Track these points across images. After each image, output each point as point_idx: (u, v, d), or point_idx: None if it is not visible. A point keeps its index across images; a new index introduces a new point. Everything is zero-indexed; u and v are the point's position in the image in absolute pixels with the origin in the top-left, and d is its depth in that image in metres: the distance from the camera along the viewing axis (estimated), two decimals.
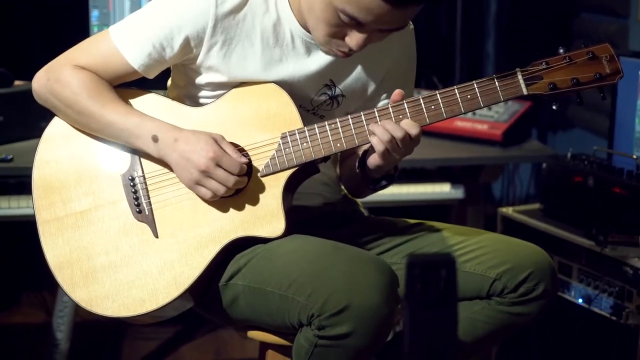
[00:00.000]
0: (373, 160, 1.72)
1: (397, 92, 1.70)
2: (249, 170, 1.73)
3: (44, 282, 3.39)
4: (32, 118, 2.77)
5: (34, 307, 3.46)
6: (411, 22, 1.87)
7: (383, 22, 1.61)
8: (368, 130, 1.69)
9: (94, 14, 2.93)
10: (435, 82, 3.34)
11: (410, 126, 1.67)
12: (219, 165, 1.67)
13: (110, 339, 3.30)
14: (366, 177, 1.80)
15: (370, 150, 1.73)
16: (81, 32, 2.93)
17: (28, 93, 2.74)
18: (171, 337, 3.33)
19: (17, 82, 2.83)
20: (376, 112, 1.70)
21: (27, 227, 2.88)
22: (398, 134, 1.66)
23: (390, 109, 1.70)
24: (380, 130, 1.66)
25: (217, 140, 1.69)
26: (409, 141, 1.67)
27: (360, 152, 1.81)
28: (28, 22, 3.39)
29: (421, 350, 1.10)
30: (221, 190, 1.68)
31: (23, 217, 2.67)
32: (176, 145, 1.69)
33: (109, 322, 3.25)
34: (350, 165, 1.88)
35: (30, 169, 2.52)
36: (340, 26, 1.63)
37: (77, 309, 2.85)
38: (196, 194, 1.72)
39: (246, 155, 1.74)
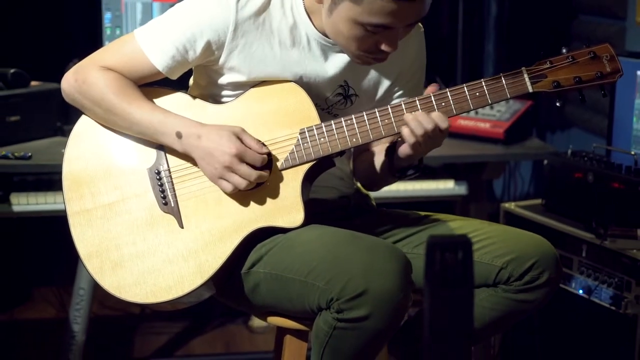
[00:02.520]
0: (403, 150, 1.79)
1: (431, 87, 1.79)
2: (269, 164, 1.81)
3: (56, 277, 3.44)
4: (48, 117, 2.84)
5: (45, 302, 3.50)
6: (421, 25, 1.96)
7: (408, 18, 1.69)
8: (401, 121, 1.76)
9: (107, 16, 2.98)
10: (438, 82, 3.40)
11: (440, 119, 1.74)
12: (242, 161, 1.76)
13: (122, 334, 3.35)
14: (392, 166, 1.88)
15: (401, 140, 1.80)
16: (94, 33, 2.99)
17: (44, 93, 2.84)
18: (181, 331, 3.37)
19: (33, 83, 2.88)
20: (390, 109, 1.78)
21: (41, 223, 2.95)
22: (428, 126, 1.73)
23: (402, 105, 1.77)
24: (413, 121, 1.74)
25: (238, 135, 1.77)
26: (438, 133, 1.75)
27: (375, 147, 1.89)
28: (43, 24, 3.45)
29: (440, 327, 1.18)
30: (243, 184, 1.76)
31: (41, 213, 2.74)
32: (200, 142, 1.77)
33: (121, 317, 3.29)
34: (367, 159, 1.96)
35: (47, 166, 2.61)
36: (370, 37, 1.71)
37: (92, 303, 2.91)
38: (219, 187, 1.79)
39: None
